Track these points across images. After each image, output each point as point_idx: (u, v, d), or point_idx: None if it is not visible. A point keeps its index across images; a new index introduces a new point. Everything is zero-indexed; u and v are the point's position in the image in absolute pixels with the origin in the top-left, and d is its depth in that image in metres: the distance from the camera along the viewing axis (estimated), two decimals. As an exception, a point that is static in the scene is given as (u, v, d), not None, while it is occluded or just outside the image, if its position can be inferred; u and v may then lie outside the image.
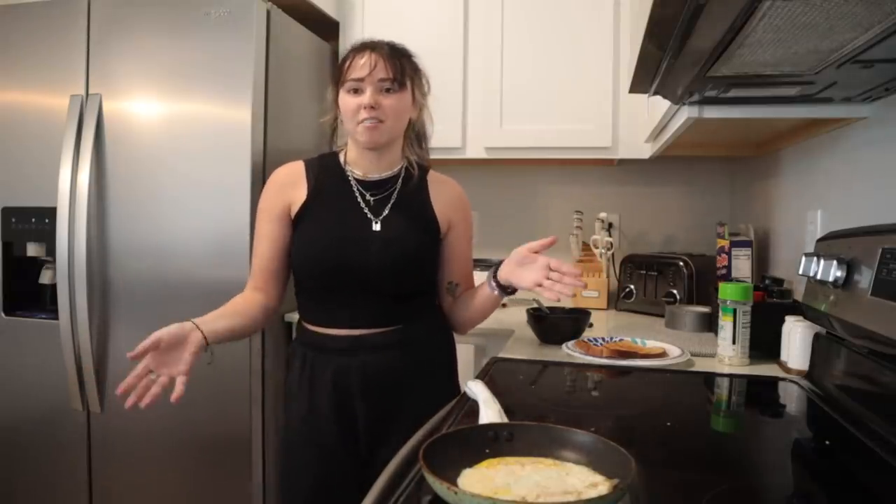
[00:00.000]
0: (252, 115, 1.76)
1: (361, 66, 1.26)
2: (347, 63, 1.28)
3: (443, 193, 1.39)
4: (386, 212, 1.32)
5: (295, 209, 1.32)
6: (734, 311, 1.34)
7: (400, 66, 1.28)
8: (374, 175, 1.35)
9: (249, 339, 1.77)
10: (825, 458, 0.89)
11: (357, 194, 1.33)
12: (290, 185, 1.33)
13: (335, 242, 1.28)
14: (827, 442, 0.93)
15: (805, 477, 0.84)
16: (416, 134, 1.41)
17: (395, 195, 1.34)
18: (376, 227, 1.30)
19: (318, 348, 1.31)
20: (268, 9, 1.83)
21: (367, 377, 1.28)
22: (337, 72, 1.31)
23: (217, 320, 1.21)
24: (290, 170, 1.37)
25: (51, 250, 1.87)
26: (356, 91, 1.27)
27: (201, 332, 1.15)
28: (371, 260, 1.27)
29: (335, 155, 1.39)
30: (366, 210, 1.31)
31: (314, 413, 1.30)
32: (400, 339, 1.30)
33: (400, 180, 1.36)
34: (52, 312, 1.86)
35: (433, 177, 1.41)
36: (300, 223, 1.32)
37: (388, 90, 1.27)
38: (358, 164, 1.35)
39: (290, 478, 1.33)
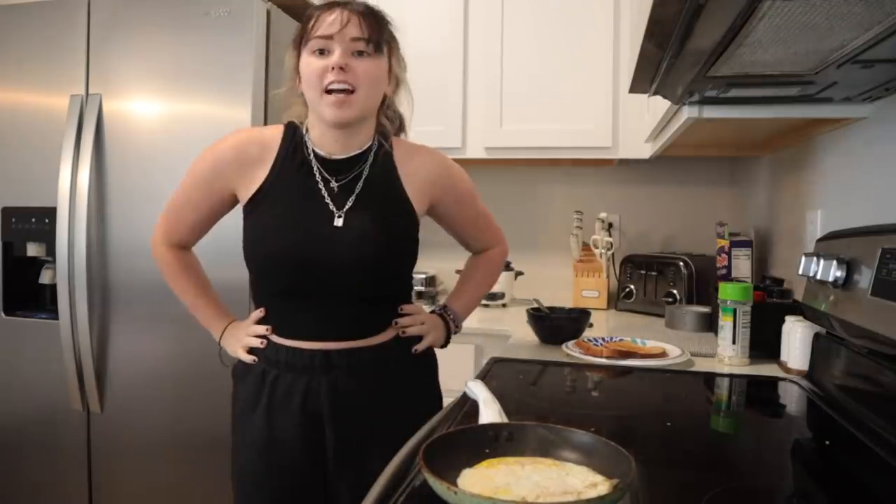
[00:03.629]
0: (252, 115, 1.75)
1: (331, 23, 1.04)
2: (313, 21, 1.06)
3: (417, 170, 1.17)
4: (350, 203, 1.11)
5: (249, 192, 1.12)
6: (734, 311, 1.34)
7: (377, 26, 1.07)
8: (340, 155, 1.13)
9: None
10: (825, 458, 0.89)
11: (319, 180, 1.12)
12: (253, 163, 1.12)
13: (293, 237, 1.08)
14: (827, 442, 0.93)
15: (805, 477, 0.84)
16: (393, 114, 1.20)
17: (361, 183, 1.13)
18: (338, 222, 1.09)
19: (282, 364, 1.12)
20: (268, 9, 1.83)
21: (337, 399, 1.10)
22: (299, 32, 1.09)
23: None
24: (263, 142, 1.14)
25: (51, 250, 1.87)
26: (323, 52, 1.05)
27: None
28: (335, 259, 1.08)
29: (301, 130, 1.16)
30: (328, 200, 1.11)
31: (275, 444, 1.10)
32: (381, 354, 1.14)
33: (369, 162, 1.14)
34: (52, 312, 1.86)
35: (401, 151, 1.18)
36: (253, 210, 1.12)
37: (361, 53, 1.06)
38: (321, 143, 1.13)
39: None
